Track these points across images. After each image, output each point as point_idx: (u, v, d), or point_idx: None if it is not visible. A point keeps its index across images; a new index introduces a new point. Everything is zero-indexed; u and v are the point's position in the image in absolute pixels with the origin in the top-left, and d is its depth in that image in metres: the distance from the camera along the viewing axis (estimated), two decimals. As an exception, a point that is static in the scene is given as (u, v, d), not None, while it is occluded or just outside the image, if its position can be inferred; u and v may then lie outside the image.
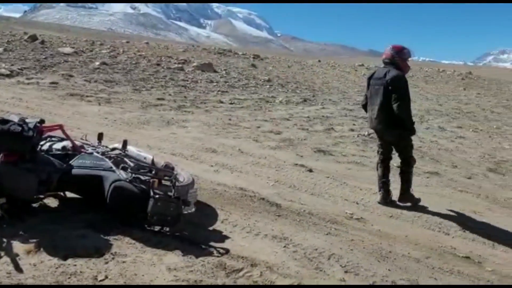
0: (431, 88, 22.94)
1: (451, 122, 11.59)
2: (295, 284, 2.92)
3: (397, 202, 4.86)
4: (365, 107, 5.12)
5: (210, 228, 3.69)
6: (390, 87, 4.56)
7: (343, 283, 3.03)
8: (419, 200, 4.93)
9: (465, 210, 4.92)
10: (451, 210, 4.84)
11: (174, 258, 3.06)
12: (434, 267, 3.45)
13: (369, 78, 4.95)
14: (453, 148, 8.33)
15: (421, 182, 5.81)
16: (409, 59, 4.89)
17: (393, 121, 4.63)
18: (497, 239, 4.19)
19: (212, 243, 3.35)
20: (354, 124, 9.14)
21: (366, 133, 8.31)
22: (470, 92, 21.69)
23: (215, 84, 13.88)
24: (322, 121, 9.08)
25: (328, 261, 3.34)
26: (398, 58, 4.75)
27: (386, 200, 4.85)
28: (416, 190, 5.04)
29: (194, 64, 17.51)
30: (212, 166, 5.68)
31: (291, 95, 12.23)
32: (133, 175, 3.58)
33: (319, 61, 31.23)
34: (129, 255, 3.04)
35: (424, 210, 4.76)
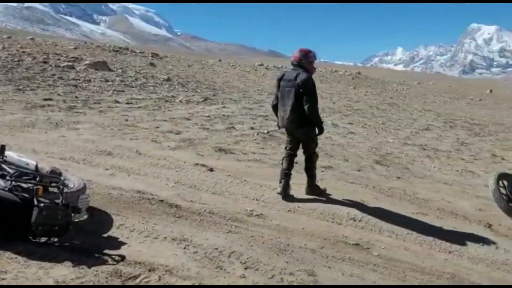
0: (325, 87, 24.38)
1: (343, 119, 12.41)
2: (196, 284, 2.88)
3: (306, 194, 5.18)
4: (275, 107, 5.27)
5: (105, 235, 3.49)
6: (301, 90, 4.83)
7: (243, 279, 3.06)
8: (325, 190, 5.31)
9: (355, 200, 5.28)
10: (343, 201, 5.16)
11: (63, 270, 2.83)
12: (328, 256, 3.65)
13: (279, 80, 5.12)
14: (344, 143, 8.91)
15: (317, 176, 6.12)
16: (315, 61, 5.17)
17: (303, 120, 4.92)
18: (383, 225, 4.57)
19: (106, 251, 3.17)
20: (254, 123, 9.33)
21: (265, 131, 8.54)
22: (359, 90, 23.46)
23: (110, 83, 13.20)
24: (223, 120, 9.12)
25: (228, 259, 3.35)
26: (305, 61, 5.02)
27: (286, 192, 5.04)
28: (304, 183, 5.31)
29: (87, 62, 16.48)
30: (107, 169, 5.38)
31: (191, 95, 12.10)
32: (13, 183, 3.24)
33: (220, 60, 31.40)
34: (9, 271, 2.74)
35: (319, 202, 5.01)
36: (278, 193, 5.05)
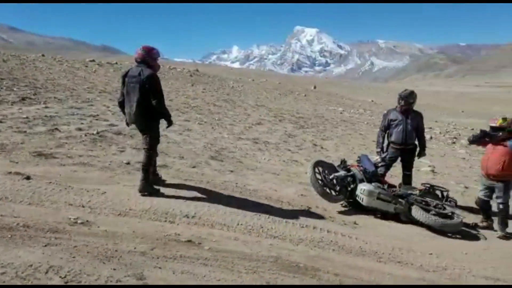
0: (163, 85, 23.83)
1: (180, 116, 12.37)
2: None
3: (139, 192, 5.09)
4: (121, 104, 5.34)
5: None
6: (146, 85, 4.98)
7: (61, 297, 2.78)
8: (159, 189, 5.27)
9: (189, 197, 5.29)
10: (177, 199, 5.13)
11: None
12: (158, 256, 3.57)
13: (124, 76, 5.22)
14: (181, 140, 8.89)
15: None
16: (159, 58, 5.35)
17: (149, 115, 5.12)
18: (215, 219, 4.69)
19: None
20: (82, 123, 8.62)
21: (95, 132, 7.97)
22: (197, 87, 23.73)
23: None
24: (45, 122, 8.19)
25: (45, 276, 3.02)
26: (149, 58, 5.18)
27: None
28: (136, 184, 5.14)
29: None
30: None
31: (5, 94, 10.57)
32: None
33: (43, 55, 28.24)
34: None
35: (153, 202, 4.88)
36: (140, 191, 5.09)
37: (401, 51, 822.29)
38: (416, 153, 6.92)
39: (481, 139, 6.02)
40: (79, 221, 4.09)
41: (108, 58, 50.46)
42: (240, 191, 5.99)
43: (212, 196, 5.51)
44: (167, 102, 5.78)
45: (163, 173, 6.27)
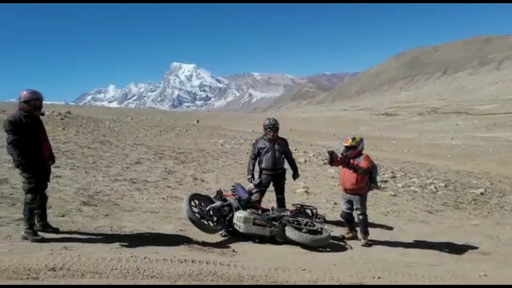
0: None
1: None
2: None
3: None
4: None
5: None
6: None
7: None
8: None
9: (57, 248, 4.95)
10: (43, 252, 4.75)
11: None
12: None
13: None
14: (49, 189, 8.24)
15: (9, 231, 5.45)
16: (29, 100, 5.41)
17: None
18: (85, 268, 4.44)
19: None
20: None
21: None
22: (69, 131, 22.26)
23: None
24: None
25: None
26: (19, 101, 5.39)
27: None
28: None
29: None
30: None
31: None
32: None
33: None
34: None
35: (12, 261, 4.44)
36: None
37: (275, 82, 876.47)
38: (285, 176, 7.43)
39: (332, 159, 6.66)
40: None
41: (-38, 105, 44.88)
42: (115, 235, 5.77)
43: (83, 243, 5.22)
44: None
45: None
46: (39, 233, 5.35)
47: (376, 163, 7.03)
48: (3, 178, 8.49)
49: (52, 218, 6.33)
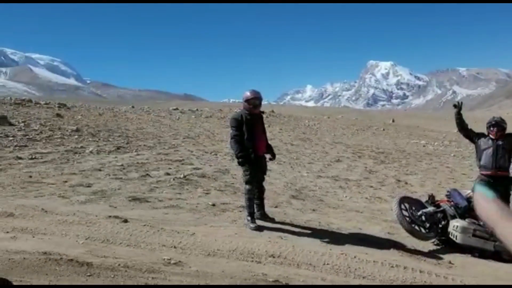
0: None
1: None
2: None
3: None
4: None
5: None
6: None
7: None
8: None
9: (274, 236, 5.37)
10: (263, 239, 5.22)
11: None
12: (248, 296, 3.64)
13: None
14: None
15: (234, 216, 6.16)
16: (250, 100, 5.90)
17: None
18: (301, 259, 4.68)
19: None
20: (170, 168, 9.19)
21: (181, 176, 8.44)
22: (274, 128, 24.24)
23: (11, 138, 12.27)
24: (137, 168, 8.87)
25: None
26: (243, 101, 5.95)
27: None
28: (227, 226, 5.31)
29: (-18, 118, 15.15)
30: (8, 232, 4.92)
31: (102, 144, 11.65)
32: None
33: (133, 107, 30.80)
34: None
35: (239, 242, 5.01)
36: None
37: (486, 77, 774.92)
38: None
39: None
40: (172, 262, 4.31)
41: (189, 105, 53.41)
42: (323, 230, 5.93)
43: (296, 235, 5.52)
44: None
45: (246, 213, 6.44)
46: (258, 221, 5.86)
47: None
48: (226, 169, 9.70)
49: (267, 208, 6.87)
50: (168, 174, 8.62)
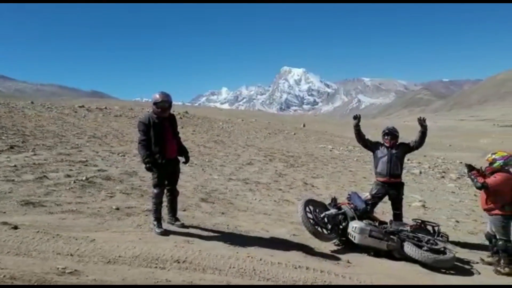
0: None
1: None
2: None
3: None
4: None
5: None
6: None
7: None
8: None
9: (179, 241, 5.23)
10: (168, 244, 5.05)
11: None
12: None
13: None
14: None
15: (139, 221, 5.91)
16: (157, 103, 5.69)
17: None
18: (206, 263, 4.61)
19: None
20: (71, 170, 8.57)
21: (84, 178, 7.92)
22: (187, 129, 23.88)
23: None
24: (33, 169, 8.13)
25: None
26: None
27: None
28: (131, 231, 5.08)
29: None
30: None
31: (-6, 142, 10.54)
32: None
33: (32, 102, 28.34)
34: None
35: (143, 248, 4.80)
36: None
37: (386, 88, 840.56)
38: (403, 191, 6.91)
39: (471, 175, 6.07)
40: (67, 271, 4.00)
41: (97, 102, 50.75)
42: (231, 233, 5.93)
43: (203, 239, 5.45)
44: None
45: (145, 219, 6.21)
46: (165, 225, 5.69)
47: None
48: (133, 171, 9.31)
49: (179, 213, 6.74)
50: (68, 176, 8.04)
